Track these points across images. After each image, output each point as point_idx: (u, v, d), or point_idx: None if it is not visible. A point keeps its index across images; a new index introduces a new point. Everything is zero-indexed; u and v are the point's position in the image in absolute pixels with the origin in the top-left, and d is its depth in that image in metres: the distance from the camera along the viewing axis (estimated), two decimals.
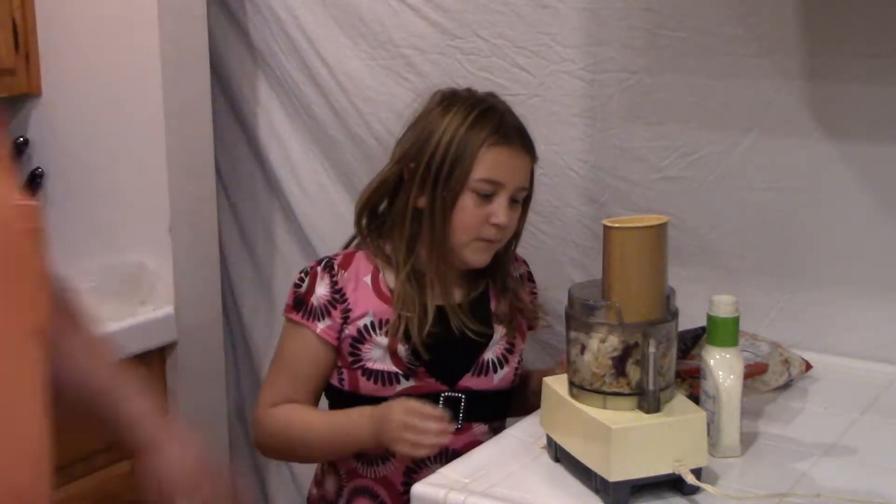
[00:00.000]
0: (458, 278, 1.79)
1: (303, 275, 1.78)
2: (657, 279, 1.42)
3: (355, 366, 1.74)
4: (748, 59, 1.92)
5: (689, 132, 2.00)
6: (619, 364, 1.40)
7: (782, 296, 1.96)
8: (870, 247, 1.88)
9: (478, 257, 1.75)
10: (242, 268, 2.60)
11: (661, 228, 1.42)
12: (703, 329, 1.58)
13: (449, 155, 1.70)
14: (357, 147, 2.35)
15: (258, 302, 2.60)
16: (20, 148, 2.40)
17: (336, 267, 1.77)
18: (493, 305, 1.81)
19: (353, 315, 1.74)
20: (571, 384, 1.46)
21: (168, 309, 2.29)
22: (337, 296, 1.74)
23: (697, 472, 1.38)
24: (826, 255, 1.92)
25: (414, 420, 1.59)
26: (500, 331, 1.80)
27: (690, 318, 1.59)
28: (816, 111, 1.89)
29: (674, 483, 1.39)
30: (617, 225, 1.41)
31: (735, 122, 1.95)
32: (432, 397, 1.73)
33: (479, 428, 1.78)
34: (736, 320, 1.51)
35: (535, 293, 1.93)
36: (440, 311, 1.75)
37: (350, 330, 1.73)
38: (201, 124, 2.36)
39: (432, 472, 1.70)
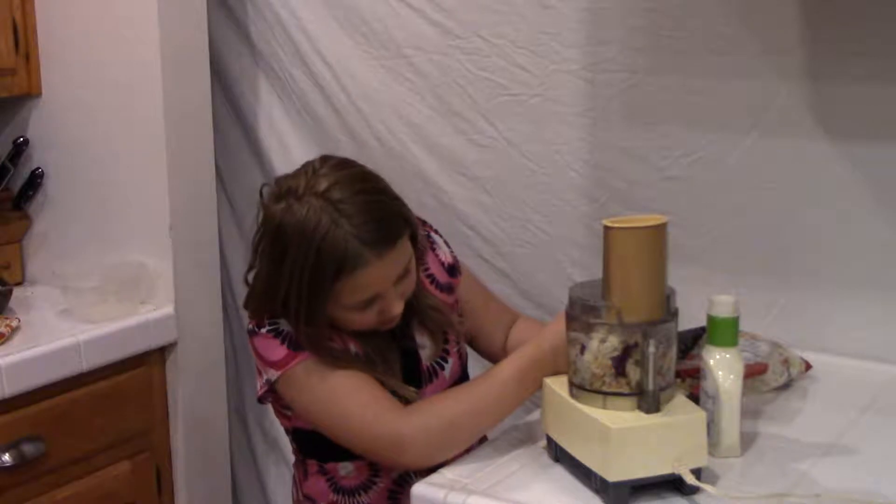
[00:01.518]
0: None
1: (272, 327, 1.64)
2: (657, 279, 1.42)
3: None
4: (748, 59, 1.92)
5: (690, 132, 2.00)
6: (619, 364, 1.40)
7: (782, 296, 1.96)
8: (869, 247, 1.88)
9: (390, 326, 1.68)
10: (242, 268, 2.59)
11: (661, 228, 1.42)
12: (703, 329, 1.58)
13: (304, 291, 1.57)
14: (358, 147, 2.35)
15: None
16: (20, 148, 2.40)
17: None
18: (408, 315, 1.73)
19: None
20: (571, 384, 1.46)
21: (168, 309, 2.29)
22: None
23: (697, 472, 1.38)
24: (826, 255, 1.92)
25: None
26: (421, 336, 1.75)
27: (690, 318, 1.59)
28: (816, 111, 1.89)
29: (674, 483, 1.39)
30: (617, 225, 1.41)
31: (735, 122, 1.95)
32: None
33: None
34: (736, 320, 1.50)
35: (434, 251, 1.83)
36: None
37: None
38: (201, 124, 2.36)
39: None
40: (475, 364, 1.89)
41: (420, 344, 1.75)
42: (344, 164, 1.65)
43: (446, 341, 1.78)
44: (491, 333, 1.88)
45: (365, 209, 1.58)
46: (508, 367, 1.59)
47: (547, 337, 1.57)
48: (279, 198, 1.61)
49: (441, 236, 1.88)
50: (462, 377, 1.82)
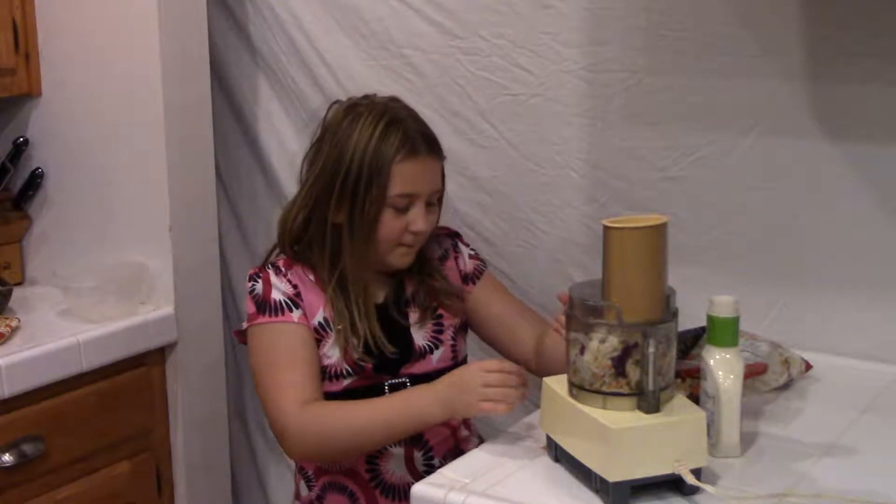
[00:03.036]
0: (380, 277, 1.84)
1: (252, 282, 1.81)
2: (657, 279, 1.42)
3: None
4: (748, 59, 1.92)
5: (689, 132, 2.00)
6: (619, 364, 1.40)
7: (782, 296, 1.96)
8: (870, 247, 1.88)
9: (402, 261, 1.82)
10: (242, 268, 2.60)
11: (661, 228, 1.42)
12: (703, 329, 1.58)
13: (363, 174, 1.74)
14: None
15: None
16: (20, 148, 2.40)
17: (283, 268, 1.82)
18: (406, 290, 1.86)
19: (310, 312, 1.79)
20: (571, 384, 1.46)
21: (168, 309, 2.29)
22: (296, 292, 1.79)
23: (697, 472, 1.38)
24: (826, 255, 1.92)
25: (494, 378, 1.58)
26: (414, 314, 1.85)
27: (690, 318, 1.59)
28: (816, 111, 1.89)
29: (674, 483, 1.39)
30: (617, 225, 1.41)
31: (735, 122, 1.95)
32: (377, 388, 1.79)
33: None
34: (736, 320, 1.51)
35: (457, 258, 1.94)
36: (376, 308, 1.82)
37: (312, 324, 1.79)
38: (201, 124, 2.36)
39: (392, 455, 1.80)
40: None
41: (412, 321, 1.84)
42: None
43: (441, 330, 1.85)
44: (522, 341, 1.89)
45: (418, 119, 1.83)
46: (398, 401, 1.69)
47: (446, 379, 1.65)
48: (342, 108, 1.83)
49: (469, 248, 1.97)
50: (451, 368, 1.84)
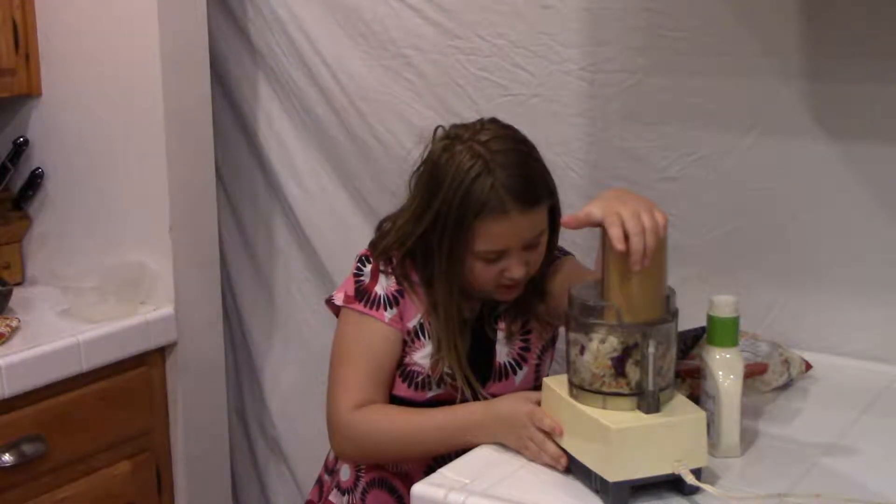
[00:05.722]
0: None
1: (361, 265, 1.76)
2: (657, 279, 1.42)
3: (399, 366, 1.74)
4: (748, 59, 1.92)
5: (689, 132, 2.00)
6: (619, 364, 1.40)
7: (782, 296, 1.96)
8: (870, 247, 1.88)
9: (506, 297, 1.74)
10: (242, 268, 2.60)
11: None
12: (703, 329, 1.58)
13: (448, 224, 1.65)
14: (357, 147, 2.36)
15: (258, 302, 2.60)
16: (20, 148, 2.40)
17: (395, 261, 1.75)
18: (499, 303, 1.78)
19: (406, 315, 1.73)
20: (571, 384, 1.46)
21: (168, 309, 2.29)
22: (399, 290, 1.73)
23: (697, 473, 1.38)
24: (826, 255, 1.92)
25: (536, 436, 1.51)
26: (503, 328, 1.78)
27: (690, 318, 1.59)
28: (816, 111, 1.89)
29: (674, 483, 1.39)
30: None
31: (735, 122, 1.95)
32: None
33: None
34: (736, 320, 1.51)
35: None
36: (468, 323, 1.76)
37: (407, 327, 1.74)
38: (201, 124, 2.36)
39: None
40: None
41: (499, 339, 1.78)
42: (509, 127, 1.75)
43: (527, 348, 1.79)
44: None
45: (517, 165, 1.66)
46: (449, 416, 1.64)
47: (499, 406, 1.60)
48: (445, 139, 1.72)
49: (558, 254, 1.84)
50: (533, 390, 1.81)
